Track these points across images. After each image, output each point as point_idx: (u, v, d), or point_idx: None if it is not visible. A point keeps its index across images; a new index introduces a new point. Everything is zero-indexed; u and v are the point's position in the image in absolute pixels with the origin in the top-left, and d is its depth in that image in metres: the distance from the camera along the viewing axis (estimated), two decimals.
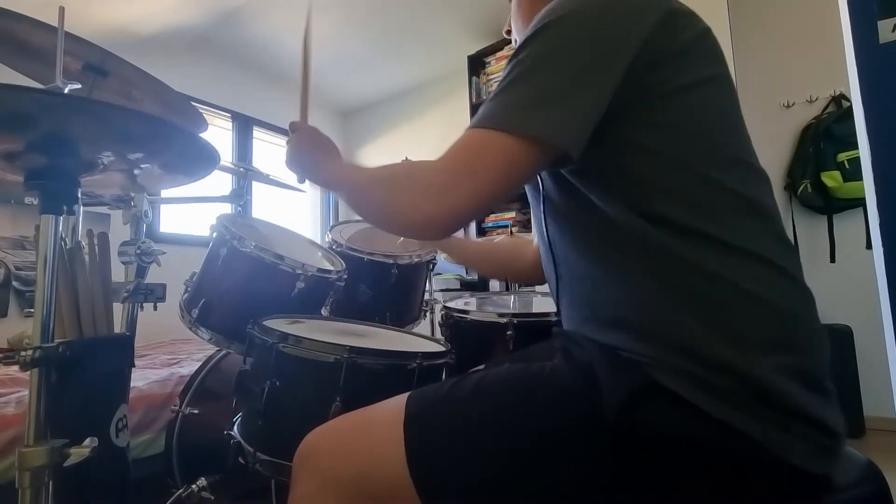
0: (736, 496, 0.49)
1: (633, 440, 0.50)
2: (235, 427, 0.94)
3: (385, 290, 1.33)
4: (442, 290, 2.80)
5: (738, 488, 0.49)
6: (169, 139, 0.72)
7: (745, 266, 0.52)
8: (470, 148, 0.56)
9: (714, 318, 0.51)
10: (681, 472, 0.50)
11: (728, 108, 0.59)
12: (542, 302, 1.33)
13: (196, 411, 1.26)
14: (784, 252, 0.54)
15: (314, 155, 0.78)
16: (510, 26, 0.84)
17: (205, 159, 0.76)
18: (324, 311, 1.26)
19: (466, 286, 2.99)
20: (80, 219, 1.05)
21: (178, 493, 1.13)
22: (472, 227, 3.27)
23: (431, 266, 1.45)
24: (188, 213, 3.23)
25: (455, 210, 0.55)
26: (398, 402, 0.60)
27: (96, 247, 0.91)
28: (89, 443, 0.70)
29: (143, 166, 0.75)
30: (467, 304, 1.31)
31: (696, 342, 0.50)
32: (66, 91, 0.76)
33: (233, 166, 1.59)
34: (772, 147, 2.58)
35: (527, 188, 0.74)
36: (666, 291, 0.53)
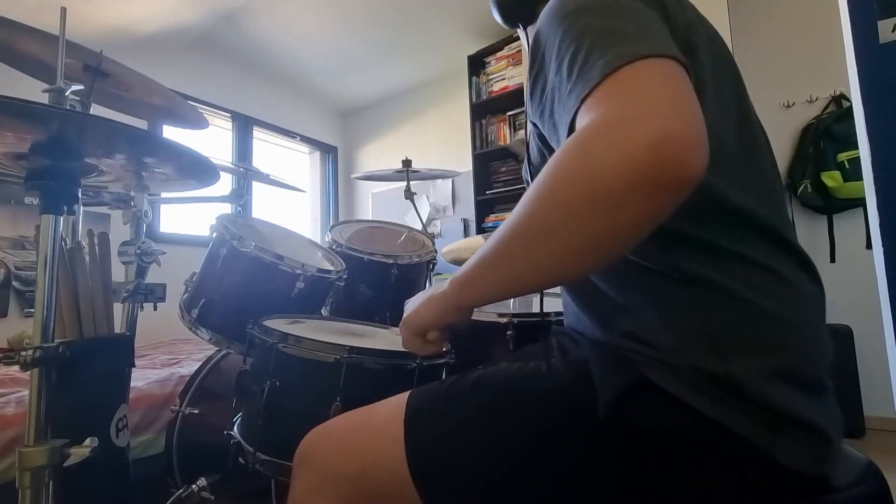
0: (726, 493, 0.49)
1: (626, 437, 0.50)
2: (235, 427, 0.95)
3: (385, 290, 1.33)
4: None
5: (729, 485, 0.49)
6: (169, 155, 0.72)
7: (729, 268, 0.51)
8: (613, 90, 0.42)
9: (692, 320, 0.50)
10: (673, 469, 0.50)
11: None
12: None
13: (196, 411, 1.26)
14: (778, 253, 0.53)
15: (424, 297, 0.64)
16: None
17: (205, 172, 0.76)
18: (324, 311, 1.26)
19: None
20: (80, 219, 1.05)
21: (178, 493, 1.13)
22: (473, 226, 3.28)
23: (431, 266, 1.45)
24: (188, 213, 3.23)
25: (680, 113, 0.38)
26: (398, 400, 0.60)
27: (96, 247, 0.91)
28: (89, 443, 0.70)
29: (156, 170, 0.76)
30: None
31: (679, 344, 0.50)
32: (68, 93, 0.76)
33: (233, 166, 1.59)
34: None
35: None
36: (651, 293, 0.53)
